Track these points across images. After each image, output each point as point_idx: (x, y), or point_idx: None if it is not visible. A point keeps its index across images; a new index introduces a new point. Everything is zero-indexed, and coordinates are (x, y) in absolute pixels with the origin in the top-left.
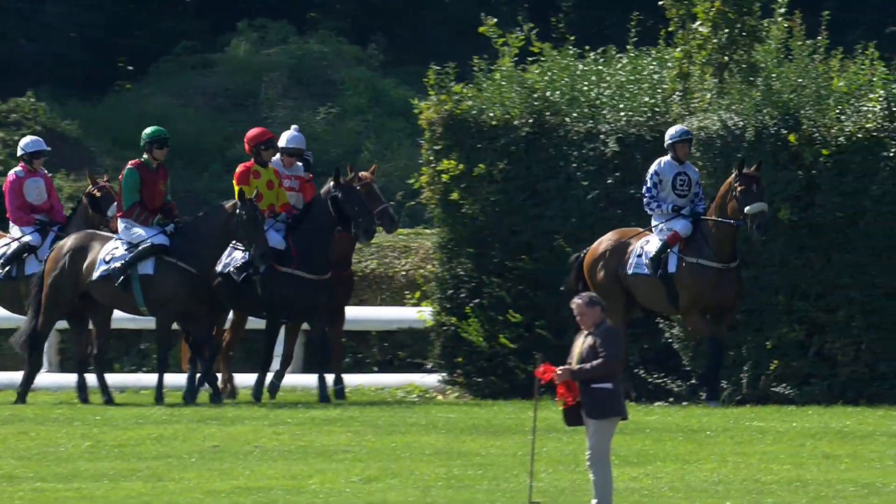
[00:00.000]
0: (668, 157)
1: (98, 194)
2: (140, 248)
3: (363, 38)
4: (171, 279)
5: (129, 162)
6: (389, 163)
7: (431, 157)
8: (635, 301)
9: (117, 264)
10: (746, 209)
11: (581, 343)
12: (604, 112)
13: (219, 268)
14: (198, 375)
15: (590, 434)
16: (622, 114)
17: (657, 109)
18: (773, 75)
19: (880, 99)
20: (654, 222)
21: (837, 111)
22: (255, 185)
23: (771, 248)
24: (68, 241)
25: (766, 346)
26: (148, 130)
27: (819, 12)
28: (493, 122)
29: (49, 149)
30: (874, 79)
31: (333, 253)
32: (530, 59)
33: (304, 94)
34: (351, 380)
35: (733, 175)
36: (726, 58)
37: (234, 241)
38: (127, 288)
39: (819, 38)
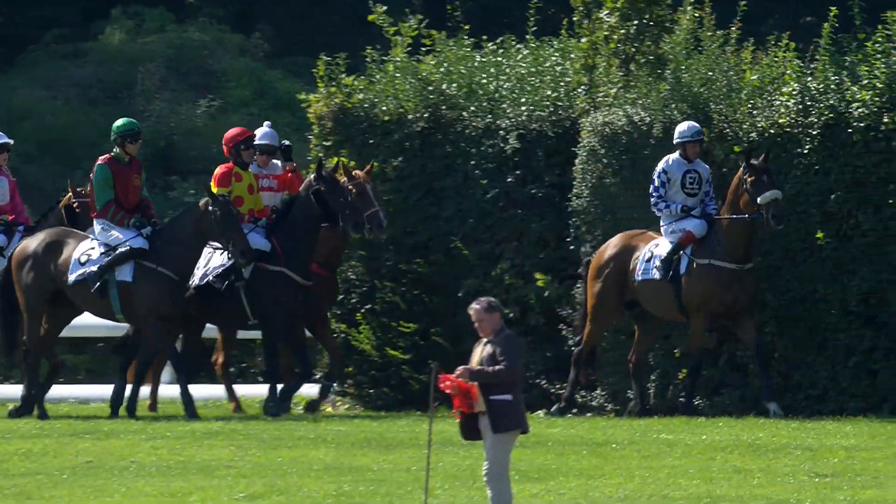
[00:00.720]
0: (675, 155)
1: (77, 209)
2: (118, 251)
3: (247, 27)
4: (152, 286)
5: (100, 158)
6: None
7: (321, 154)
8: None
9: (93, 268)
10: (759, 199)
11: (480, 351)
12: (503, 106)
13: (195, 280)
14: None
15: (487, 448)
16: (523, 108)
17: (560, 104)
18: (682, 68)
19: (794, 93)
20: (663, 224)
21: (749, 106)
22: (237, 189)
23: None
24: (36, 238)
25: (675, 354)
26: (118, 123)
27: (731, 1)
28: (387, 117)
29: (12, 141)
30: (788, 72)
31: (319, 252)
32: (425, 49)
33: (184, 85)
34: (237, 391)
35: (742, 168)
36: (633, 49)
37: (210, 243)
38: (104, 294)
39: (730, 28)
